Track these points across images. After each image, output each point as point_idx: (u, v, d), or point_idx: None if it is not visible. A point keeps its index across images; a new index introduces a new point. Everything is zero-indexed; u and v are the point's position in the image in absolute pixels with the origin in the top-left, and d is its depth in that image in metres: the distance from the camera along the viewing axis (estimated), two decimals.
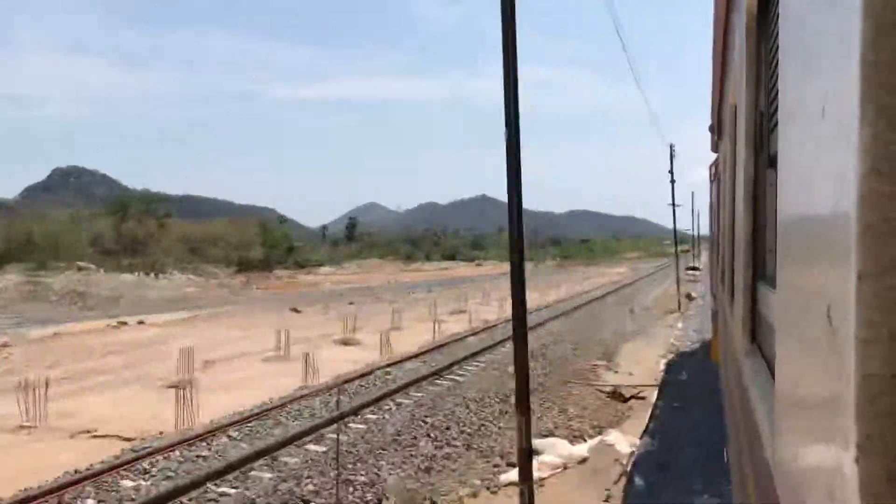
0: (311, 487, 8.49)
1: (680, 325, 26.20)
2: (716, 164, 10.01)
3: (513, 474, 8.00)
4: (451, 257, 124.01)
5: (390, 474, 8.98)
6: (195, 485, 8.37)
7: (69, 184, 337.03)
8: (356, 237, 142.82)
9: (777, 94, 1.63)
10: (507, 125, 6.10)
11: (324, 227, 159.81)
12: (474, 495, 8.35)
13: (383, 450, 10.05)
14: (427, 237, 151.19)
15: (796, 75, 1.14)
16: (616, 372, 16.53)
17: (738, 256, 3.10)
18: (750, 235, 2.71)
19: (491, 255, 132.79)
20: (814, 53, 0.95)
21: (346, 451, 9.61)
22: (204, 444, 10.31)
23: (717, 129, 7.97)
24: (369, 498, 8.28)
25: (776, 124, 1.78)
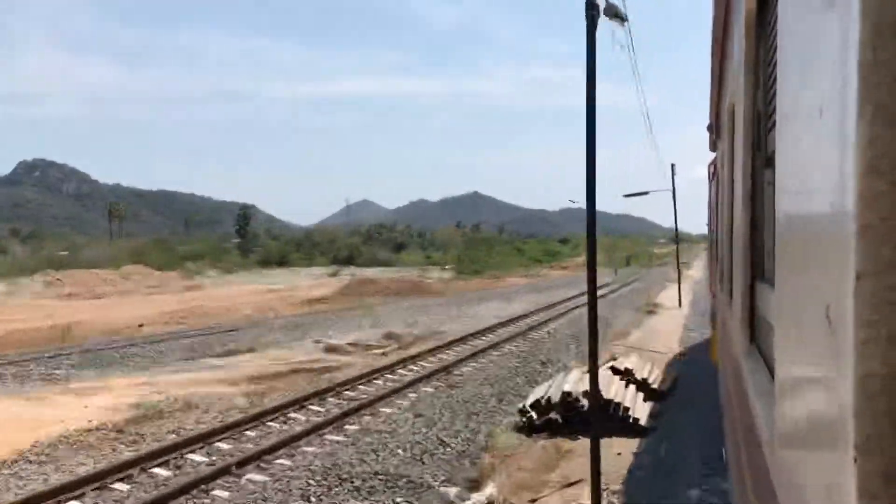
0: None
1: None
2: (714, 163, 10.01)
3: None
4: (348, 260, 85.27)
5: None
6: None
7: (34, 177, 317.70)
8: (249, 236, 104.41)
9: (775, 93, 1.63)
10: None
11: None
12: None
13: None
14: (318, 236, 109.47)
15: (795, 75, 1.14)
16: None
17: (737, 255, 3.10)
18: (748, 234, 2.71)
19: (418, 258, 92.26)
20: (812, 53, 0.95)
21: None
22: None
23: (715, 129, 7.97)
24: None
25: (774, 124, 1.78)
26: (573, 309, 26.92)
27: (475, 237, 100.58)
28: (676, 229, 29.91)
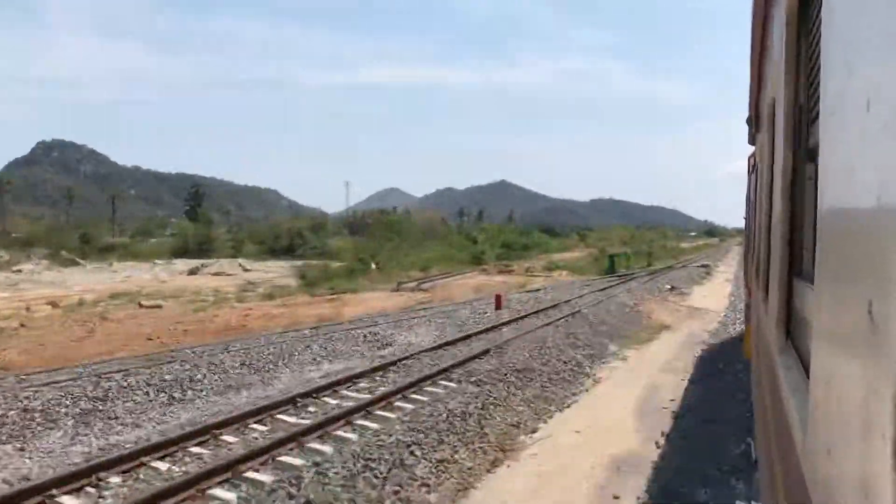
0: None
1: None
2: (753, 156, 9.83)
3: None
4: (288, 250, 63.66)
5: None
6: None
7: (52, 158, 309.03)
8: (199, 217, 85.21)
9: (818, 86, 1.60)
10: None
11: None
12: None
13: None
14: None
15: (839, 68, 1.13)
16: None
17: (775, 251, 3.05)
18: (787, 229, 2.66)
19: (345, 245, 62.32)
20: (858, 46, 0.93)
21: None
22: None
23: (754, 122, 7.82)
24: None
25: (816, 117, 1.74)
26: None
27: (382, 220, 78.29)
28: None
